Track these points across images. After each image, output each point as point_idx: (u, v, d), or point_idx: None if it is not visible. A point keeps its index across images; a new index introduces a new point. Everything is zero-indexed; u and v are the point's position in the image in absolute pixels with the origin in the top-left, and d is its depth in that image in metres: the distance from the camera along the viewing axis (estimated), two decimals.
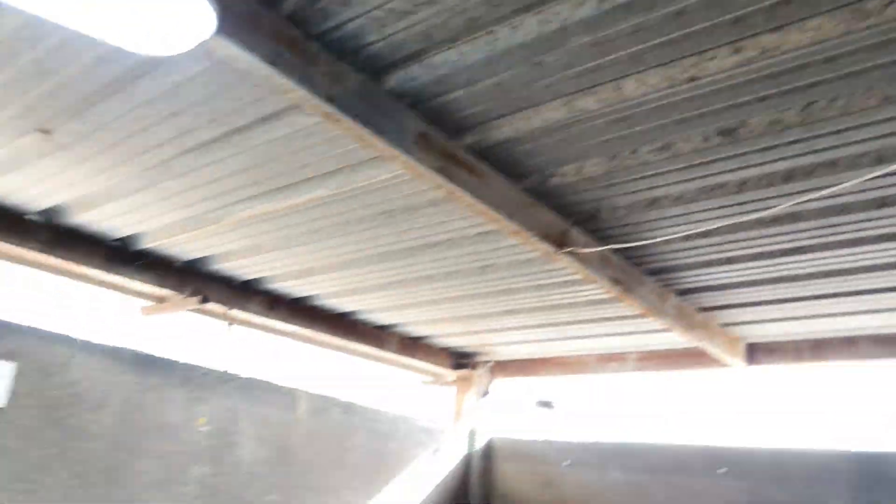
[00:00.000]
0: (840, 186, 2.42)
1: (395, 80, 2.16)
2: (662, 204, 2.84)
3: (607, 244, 3.16)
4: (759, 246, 3.14)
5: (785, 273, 3.39)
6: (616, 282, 3.35)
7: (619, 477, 4.97)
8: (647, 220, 3.00)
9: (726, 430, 5.45)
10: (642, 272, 3.53)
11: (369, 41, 2.00)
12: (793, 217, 2.81)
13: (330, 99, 2.03)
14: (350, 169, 2.76)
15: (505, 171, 2.65)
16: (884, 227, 2.82)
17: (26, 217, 3.57)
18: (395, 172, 2.71)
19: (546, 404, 5.49)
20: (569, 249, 2.87)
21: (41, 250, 3.64)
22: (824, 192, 2.50)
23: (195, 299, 4.10)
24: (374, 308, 4.78)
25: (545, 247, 2.88)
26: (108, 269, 3.89)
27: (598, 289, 3.64)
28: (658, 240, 3.07)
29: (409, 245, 3.56)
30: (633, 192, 2.77)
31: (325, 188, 2.89)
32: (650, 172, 2.62)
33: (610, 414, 5.91)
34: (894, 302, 3.56)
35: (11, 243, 3.54)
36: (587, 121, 2.31)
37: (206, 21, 1.64)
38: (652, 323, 4.04)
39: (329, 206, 3.16)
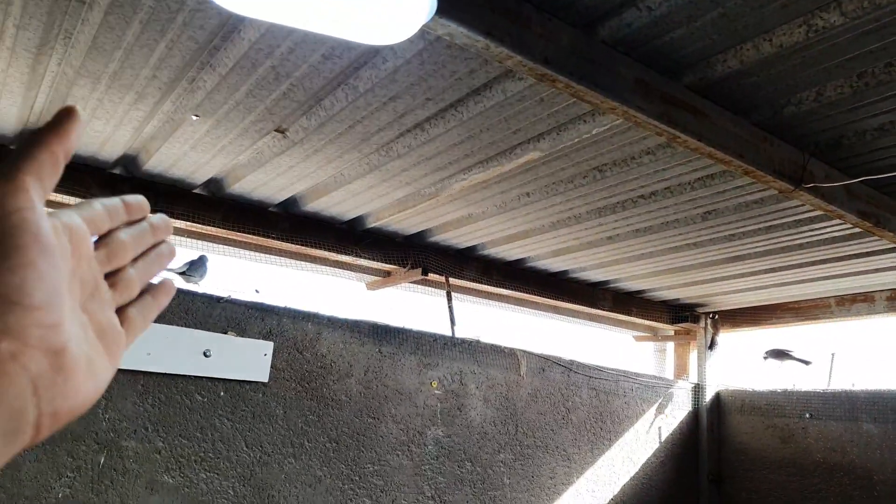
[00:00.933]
0: None
1: (608, 29, 2.08)
2: None
3: (852, 173, 2.83)
4: None
5: None
6: (864, 214, 2.99)
7: (873, 430, 4.51)
8: None
9: None
10: None
11: None
12: None
13: (545, 60, 1.99)
14: (561, 128, 2.72)
15: (731, 107, 2.45)
16: None
17: (269, 209, 3.99)
18: (608, 125, 2.62)
19: (781, 354, 5.09)
20: (810, 185, 2.60)
21: (282, 238, 4.06)
22: None
23: (417, 271, 4.33)
24: (586, 266, 4.73)
25: (781, 184, 2.64)
26: (339, 250, 4.24)
27: (842, 224, 3.28)
28: None
29: (621, 198, 3.46)
30: (887, 112, 2.43)
31: (537, 151, 2.88)
32: None
33: (855, 361, 5.35)
34: None
35: (259, 234, 3.98)
36: (829, 39, 2.05)
37: (426, 3, 1.68)
38: None
39: (538, 168, 3.16)
